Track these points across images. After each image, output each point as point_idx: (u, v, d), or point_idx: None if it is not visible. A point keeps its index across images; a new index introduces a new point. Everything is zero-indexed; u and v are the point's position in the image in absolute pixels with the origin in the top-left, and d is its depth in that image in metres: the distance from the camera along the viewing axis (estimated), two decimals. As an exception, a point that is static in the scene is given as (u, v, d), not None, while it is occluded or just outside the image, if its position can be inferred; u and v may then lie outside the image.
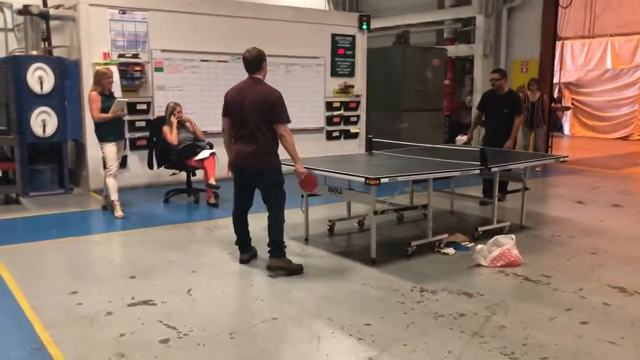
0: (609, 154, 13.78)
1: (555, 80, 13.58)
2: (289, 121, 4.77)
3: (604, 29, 16.99)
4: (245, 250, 5.20)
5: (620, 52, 16.99)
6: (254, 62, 4.83)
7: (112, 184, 6.90)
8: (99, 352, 3.49)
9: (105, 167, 6.95)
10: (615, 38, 16.99)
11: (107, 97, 6.80)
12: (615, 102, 17.34)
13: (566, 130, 18.69)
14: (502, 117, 7.66)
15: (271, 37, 9.74)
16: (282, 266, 4.87)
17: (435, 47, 12.78)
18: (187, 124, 7.76)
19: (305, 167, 4.99)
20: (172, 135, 7.47)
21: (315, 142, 10.41)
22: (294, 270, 4.89)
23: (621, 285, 4.64)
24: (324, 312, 4.10)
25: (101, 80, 6.74)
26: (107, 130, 6.79)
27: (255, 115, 4.71)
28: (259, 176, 4.86)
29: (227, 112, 4.95)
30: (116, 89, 7.68)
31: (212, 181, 7.32)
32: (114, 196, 6.91)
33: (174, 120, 7.53)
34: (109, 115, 6.69)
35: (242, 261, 5.16)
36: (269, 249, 4.93)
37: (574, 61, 17.94)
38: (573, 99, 18.24)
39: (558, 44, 13.53)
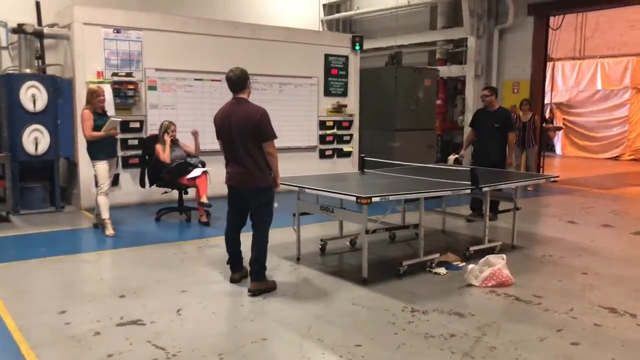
0: (600, 174, 13.88)
1: (547, 100, 13.71)
2: (275, 137, 4.80)
3: (594, 50, 17.23)
4: (237, 270, 5.18)
5: (610, 74, 17.21)
6: (238, 81, 4.85)
7: (103, 202, 6.87)
8: (85, 373, 3.45)
9: (97, 185, 6.93)
10: (605, 59, 17.23)
11: (100, 116, 6.79)
12: (606, 122, 17.52)
13: (558, 150, 18.84)
14: (491, 132, 7.77)
15: (265, 57, 9.84)
16: (264, 289, 4.86)
17: (428, 67, 12.89)
18: (180, 143, 7.79)
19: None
20: (165, 153, 7.48)
21: (308, 161, 10.46)
22: (272, 289, 4.91)
23: (612, 306, 4.64)
24: (314, 332, 4.08)
25: (92, 98, 6.74)
26: (99, 149, 6.78)
27: (242, 135, 4.73)
28: (251, 195, 4.86)
29: (218, 135, 4.99)
30: (109, 108, 7.70)
31: (204, 199, 7.32)
32: (105, 214, 6.88)
33: (167, 138, 7.55)
34: (101, 133, 6.68)
35: (232, 280, 5.13)
36: (250, 268, 4.92)
37: (564, 82, 18.15)
38: (564, 119, 18.41)
39: (549, 65, 13.70)
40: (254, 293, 4.81)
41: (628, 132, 17.13)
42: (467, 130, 8.97)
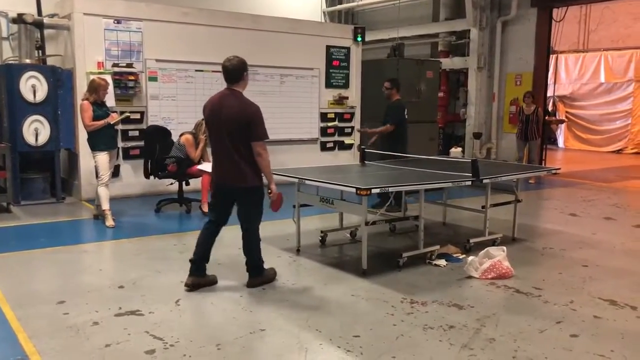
0: (603, 167, 13.82)
1: (550, 93, 13.62)
2: (266, 137, 4.52)
3: (598, 43, 17.12)
4: (198, 273, 4.69)
5: (614, 66, 17.10)
6: (235, 72, 4.52)
7: (103, 193, 6.86)
8: (83, 362, 3.45)
9: (97, 176, 6.91)
10: (608, 52, 17.13)
11: (99, 106, 6.78)
12: (609, 115, 17.43)
13: (560, 143, 18.77)
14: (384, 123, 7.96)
15: (266, 48, 9.79)
16: (262, 282, 4.83)
17: (430, 59, 12.83)
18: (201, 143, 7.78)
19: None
20: (198, 151, 7.57)
21: (310, 153, 10.44)
22: (271, 279, 4.89)
23: (612, 298, 4.63)
24: (312, 323, 4.07)
25: (99, 90, 6.71)
26: (100, 140, 6.76)
27: (231, 130, 4.45)
28: (238, 193, 4.63)
29: (206, 125, 4.85)
30: (110, 98, 7.67)
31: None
32: (106, 205, 6.87)
33: (203, 137, 7.56)
34: (101, 122, 6.66)
35: (187, 285, 4.65)
36: (247, 267, 4.83)
37: (568, 75, 18.06)
38: (567, 112, 18.32)
39: (552, 58, 13.62)
40: (253, 287, 4.78)
41: (631, 125, 17.02)
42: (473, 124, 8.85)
